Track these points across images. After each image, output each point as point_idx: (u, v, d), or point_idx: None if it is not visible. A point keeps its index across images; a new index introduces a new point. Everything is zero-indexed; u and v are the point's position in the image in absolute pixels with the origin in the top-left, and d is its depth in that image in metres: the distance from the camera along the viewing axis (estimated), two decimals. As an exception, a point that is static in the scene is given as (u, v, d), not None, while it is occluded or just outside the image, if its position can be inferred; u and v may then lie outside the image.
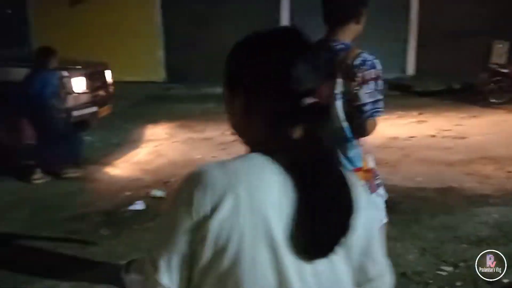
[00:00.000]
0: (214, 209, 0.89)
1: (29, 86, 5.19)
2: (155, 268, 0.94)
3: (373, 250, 1.03)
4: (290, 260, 0.90)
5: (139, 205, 4.60)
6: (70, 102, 6.10)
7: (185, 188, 0.94)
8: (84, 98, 6.34)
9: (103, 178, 5.50)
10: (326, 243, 0.91)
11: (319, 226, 0.89)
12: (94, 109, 6.43)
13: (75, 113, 6.14)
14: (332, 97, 0.90)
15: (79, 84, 6.22)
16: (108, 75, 7.17)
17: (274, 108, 0.94)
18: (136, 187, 5.15)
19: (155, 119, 8.24)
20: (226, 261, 0.89)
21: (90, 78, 6.44)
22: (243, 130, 1.01)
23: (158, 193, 4.93)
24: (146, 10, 11.85)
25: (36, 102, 5.17)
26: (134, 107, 9.05)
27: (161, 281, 0.93)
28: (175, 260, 0.93)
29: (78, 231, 4.02)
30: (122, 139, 7.07)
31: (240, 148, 1.05)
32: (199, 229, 0.90)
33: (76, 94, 6.18)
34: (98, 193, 4.97)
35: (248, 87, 0.96)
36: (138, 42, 11.58)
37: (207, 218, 0.89)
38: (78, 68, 6.38)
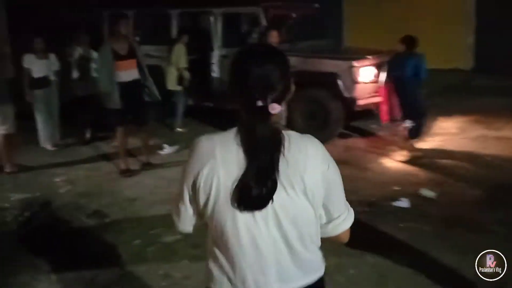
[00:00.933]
0: (202, 168, 1.37)
1: (402, 69, 5.78)
2: (177, 200, 1.48)
3: (333, 195, 1.43)
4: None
5: (403, 203, 4.44)
6: (357, 91, 6.31)
7: (189, 154, 1.42)
8: (371, 88, 6.45)
9: (375, 168, 5.53)
10: (262, 196, 1.32)
11: (255, 183, 1.31)
12: (379, 98, 6.46)
13: (360, 102, 6.32)
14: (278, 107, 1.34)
15: (367, 73, 6.35)
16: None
17: (239, 103, 1.37)
18: (406, 183, 4.98)
19: (449, 111, 7.70)
20: (212, 201, 1.36)
21: (379, 67, 6.49)
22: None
23: (428, 193, 4.64)
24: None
25: (408, 83, 5.77)
26: (430, 97, 8.58)
27: (179, 209, 1.48)
28: (186, 199, 1.45)
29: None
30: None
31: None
32: (195, 181, 1.38)
33: (363, 84, 6.33)
34: (366, 182, 5.02)
35: (229, 85, 1.40)
36: (446, 27, 10.94)
37: (199, 173, 1.37)
38: (368, 58, 6.49)
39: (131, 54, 5.30)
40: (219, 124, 7.36)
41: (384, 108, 6.13)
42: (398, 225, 4.01)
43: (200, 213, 1.44)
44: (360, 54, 6.67)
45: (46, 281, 3.37)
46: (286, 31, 6.78)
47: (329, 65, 6.39)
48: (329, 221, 1.46)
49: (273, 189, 1.31)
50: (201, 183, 1.37)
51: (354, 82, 6.28)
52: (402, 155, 5.94)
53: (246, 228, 1.35)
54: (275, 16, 6.72)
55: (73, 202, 4.76)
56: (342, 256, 3.50)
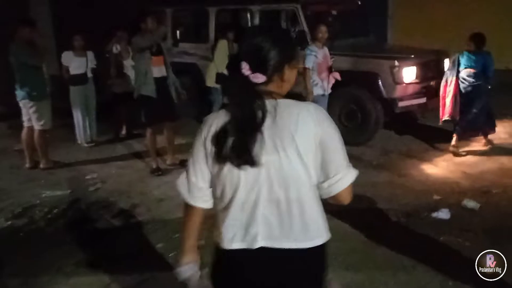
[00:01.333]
0: (207, 136, 1.56)
1: (473, 67, 5.63)
2: (187, 167, 1.66)
3: (329, 156, 1.52)
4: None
5: (443, 213, 4.12)
6: (398, 92, 5.99)
7: (201, 124, 1.62)
8: (413, 88, 6.11)
9: (415, 174, 5.19)
10: (245, 154, 1.48)
11: (238, 144, 1.48)
12: (422, 100, 6.11)
13: (401, 103, 5.99)
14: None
15: (409, 73, 6.00)
16: (446, 64, 6.65)
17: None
18: (448, 192, 4.64)
19: (499, 114, 7.19)
20: (216, 163, 1.56)
21: (422, 67, 6.13)
22: None
23: (470, 204, 4.30)
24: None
25: (479, 80, 5.63)
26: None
27: (188, 174, 1.65)
28: (196, 163, 1.62)
29: (371, 226, 3.94)
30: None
31: None
32: (204, 148, 1.58)
33: (405, 84, 6.00)
34: (404, 190, 4.71)
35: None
36: (501, 26, 10.28)
37: (205, 141, 1.57)
38: (411, 57, 6.14)
39: (159, 51, 5.26)
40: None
41: (446, 105, 5.78)
42: (436, 239, 3.71)
43: (211, 181, 1.62)
44: (403, 53, 6.34)
45: (65, 283, 3.31)
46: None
47: (369, 64, 6.09)
48: (325, 180, 1.54)
49: (258, 148, 1.46)
50: (207, 148, 1.56)
51: (396, 82, 5.95)
52: (445, 160, 5.59)
53: (242, 188, 1.51)
54: (314, 13, 6.47)
55: (101, 201, 4.73)
56: (371, 271, 3.28)
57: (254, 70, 1.49)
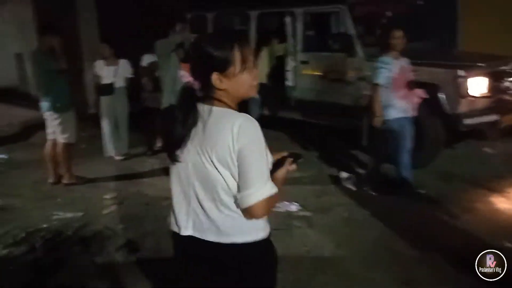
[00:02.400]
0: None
1: None
2: None
3: (244, 171, 1.56)
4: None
5: None
6: (463, 107, 5.05)
7: None
8: (483, 103, 5.14)
9: (481, 210, 4.26)
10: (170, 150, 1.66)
11: (168, 141, 1.68)
12: (494, 117, 5.13)
13: (467, 120, 5.05)
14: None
15: (478, 85, 5.05)
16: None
17: None
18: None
19: None
20: None
21: (494, 78, 5.15)
22: None
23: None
24: None
25: None
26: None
27: None
28: None
29: (418, 280, 3.12)
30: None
31: None
32: None
33: (472, 98, 5.05)
34: (466, 231, 3.82)
35: None
36: None
37: None
38: (479, 66, 5.18)
39: (189, 57, 4.77)
40: (295, 136, 6.66)
41: None
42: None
43: None
44: (470, 61, 5.37)
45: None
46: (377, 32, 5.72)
47: (428, 74, 5.16)
48: (239, 192, 1.59)
49: (183, 149, 1.63)
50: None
51: (461, 96, 5.02)
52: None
53: (176, 181, 1.71)
54: (363, 14, 5.68)
55: (110, 228, 4.23)
56: None
57: (192, 76, 1.63)
